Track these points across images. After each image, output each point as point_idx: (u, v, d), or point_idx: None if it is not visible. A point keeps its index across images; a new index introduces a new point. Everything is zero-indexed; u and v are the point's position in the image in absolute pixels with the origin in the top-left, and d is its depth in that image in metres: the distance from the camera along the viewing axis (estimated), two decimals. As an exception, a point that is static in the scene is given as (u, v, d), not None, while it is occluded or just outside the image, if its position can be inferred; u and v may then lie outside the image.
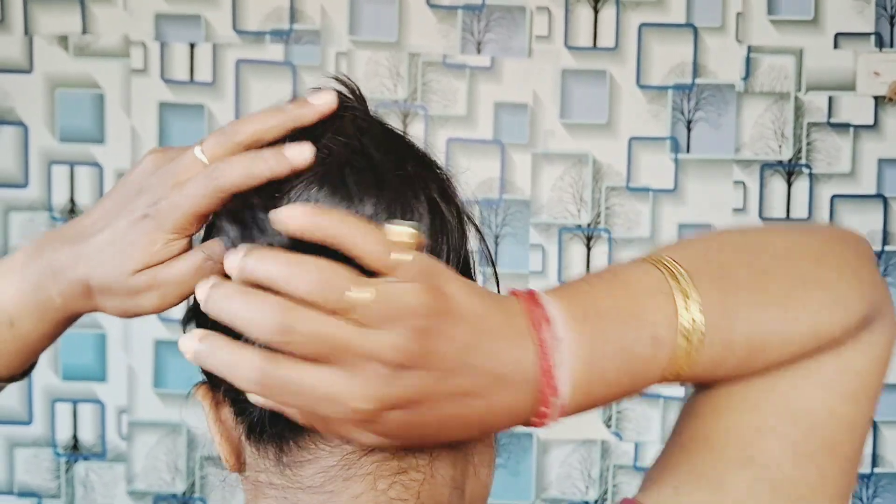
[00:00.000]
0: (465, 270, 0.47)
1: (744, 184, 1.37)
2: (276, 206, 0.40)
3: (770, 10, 1.36)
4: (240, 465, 0.47)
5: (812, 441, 0.47)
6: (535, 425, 0.43)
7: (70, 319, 0.50)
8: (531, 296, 0.42)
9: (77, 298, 0.48)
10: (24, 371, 0.52)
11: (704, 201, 1.37)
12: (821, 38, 1.36)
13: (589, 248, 1.37)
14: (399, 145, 0.48)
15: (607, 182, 1.37)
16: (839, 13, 1.35)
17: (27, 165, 1.36)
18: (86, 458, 1.37)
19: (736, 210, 1.37)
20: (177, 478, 1.37)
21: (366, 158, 0.45)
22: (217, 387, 0.47)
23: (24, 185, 1.36)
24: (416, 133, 1.35)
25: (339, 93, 0.47)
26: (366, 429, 0.40)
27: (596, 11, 1.35)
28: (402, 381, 0.38)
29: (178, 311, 0.48)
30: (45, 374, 1.36)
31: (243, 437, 0.47)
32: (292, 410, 0.40)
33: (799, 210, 1.37)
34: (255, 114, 0.46)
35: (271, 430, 0.44)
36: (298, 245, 0.40)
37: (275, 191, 0.44)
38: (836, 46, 1.36)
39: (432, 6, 1.35)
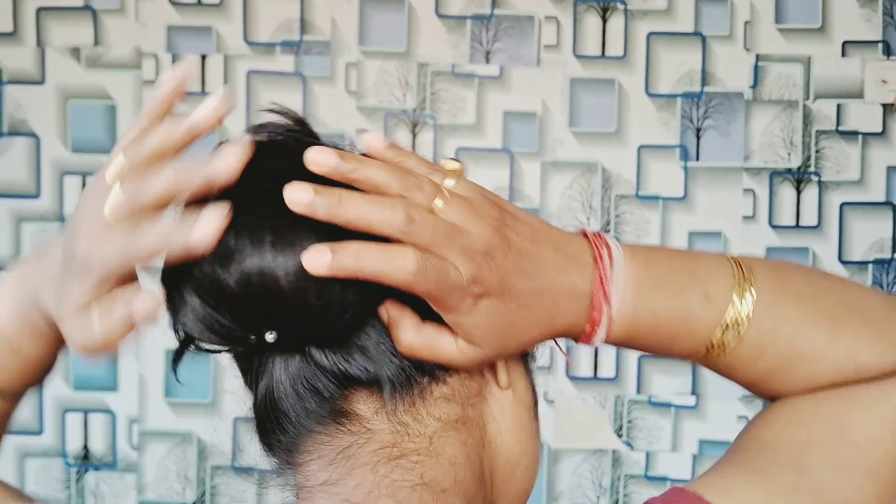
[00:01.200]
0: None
1: (753, 191, 1.37)
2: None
3: (778, 19, 1.36)
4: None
5: (852, 460, 0.50)
6: (584, 340, 0.49)
7: (61, 341, 0.51)
8: (597, 233, 0.49)
9: (56, 325, 0.48)
10: (38, 382, 0.56)
11: (714, 209, 1.37)
12: (828, 46, 1.36)
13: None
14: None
15: (616, 190, 1.37)
16: (847, 21, 1.36)
17: (39, 176, 1.37)
18: (96, 469, 1.37)
19: (746, 218, 1.37)
20: (187, 488, 1.37)
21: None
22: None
23: (36, 195, 1.37)
24: (426, 142, 1.36)
25: (276, 126, 0.48)
26: (468, 313, 0.45)
27: (604, 20, 1.36)
28: (491, 264, 0.45)
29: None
30: (56, 384, 1.36)
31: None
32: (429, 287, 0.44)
33: (808, 218, 1.37)
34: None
35: (263, 440, 0.49)
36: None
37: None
38: (843, 55, 1.36)
39: (441, 16, 1.36)
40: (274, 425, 0.47)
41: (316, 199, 0.42)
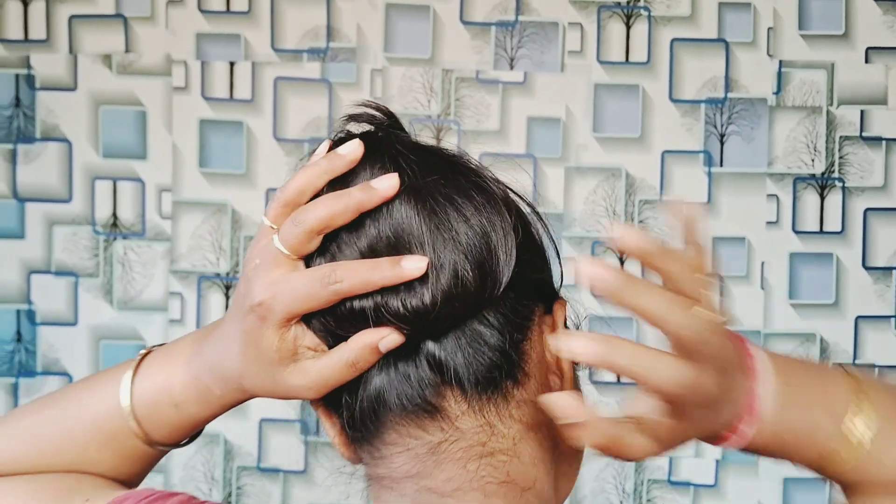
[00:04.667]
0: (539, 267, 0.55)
1: (777, 197, 1.37)
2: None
3: (801, 25, 1.37)
4: (355, 458, 0.55)
5: None
6: (717, 443, 0.51)
7: (229, 406, 0.57)
8: (741, 337, 0.50)
9: (233, 393, 0.56)
10: (189, 439, 0.61)
11: (737, 214, 1.37)
12: (852, 52, 1.36)
13: (622, 262, 1.38)
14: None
15: (640, 195, 1.38)
16: (870, 28, 1.36)
17: (71, 181, 1.39)
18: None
19: (769, 223, 1.37)
20: (213, 488, 1.38)
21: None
22: (329, 404, 0.54)
23: (68, 199, 1.39)
24: (450, 147, 1.37)
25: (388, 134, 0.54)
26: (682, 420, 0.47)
27: (628, 27, 1.37)
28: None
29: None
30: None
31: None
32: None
33: (832, 223, 1.37)
34: (320, 201, 0.50)
35: (353, 433, 0.53)
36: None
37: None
38: (867, 61, 1.36)
39: (465, 23, 1.38)
40: (367, 416, 0.51)
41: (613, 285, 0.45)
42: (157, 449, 0.60)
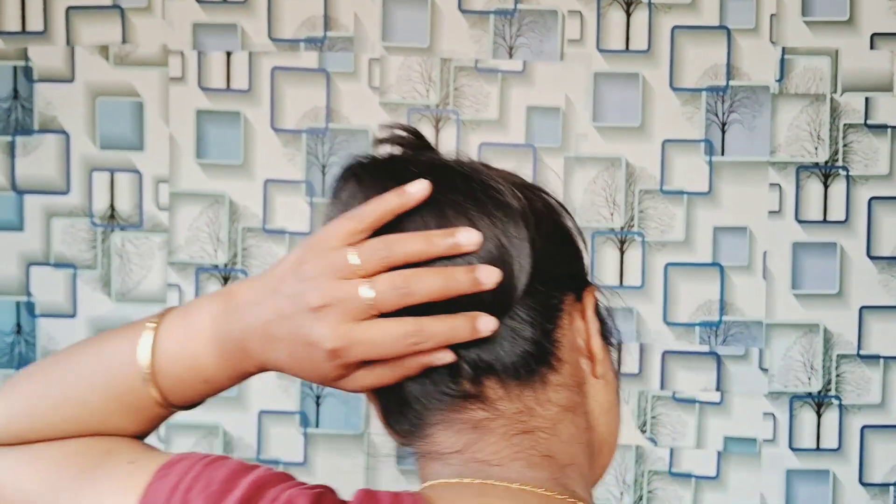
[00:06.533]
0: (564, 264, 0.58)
1: (780, 186, 1.35)
2: None
3: (804, 12, 1.35)
4: (399, 439, 0.58)
5: None
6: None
7: (251, 373, 0.59)
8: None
9: (267, 371, 0.58)
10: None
11: (740, 204, 1.35)
12: (856, 38, 1.34)
13: (622, 252, 1.37)
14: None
15: (641, 185, 1.36)
16: (875, 13, 1.34)
17: (69, 172, 1.39)
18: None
19: (772, 213, 1.35)
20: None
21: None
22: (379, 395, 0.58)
23: (66, 191, 1.39)
24: (449, 138, 1.36)
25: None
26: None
27: (628, 14, 1.36)
28: None
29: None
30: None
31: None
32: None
33: (836, 212, 1.35)
34: (411, 237, 0.53)
35: (394, 421, 0.57)
36: None
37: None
38: (872, 47, 1.34)
39: (464, 11, 1.36)
40: (406, 407, 0.55)
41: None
42: (173, 410, 0.61)
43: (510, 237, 0.53)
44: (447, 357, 0.52)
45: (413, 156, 0.58)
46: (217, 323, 0.57)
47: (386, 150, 0.59)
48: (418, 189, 0.53)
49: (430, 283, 0.51)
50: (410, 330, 0.51)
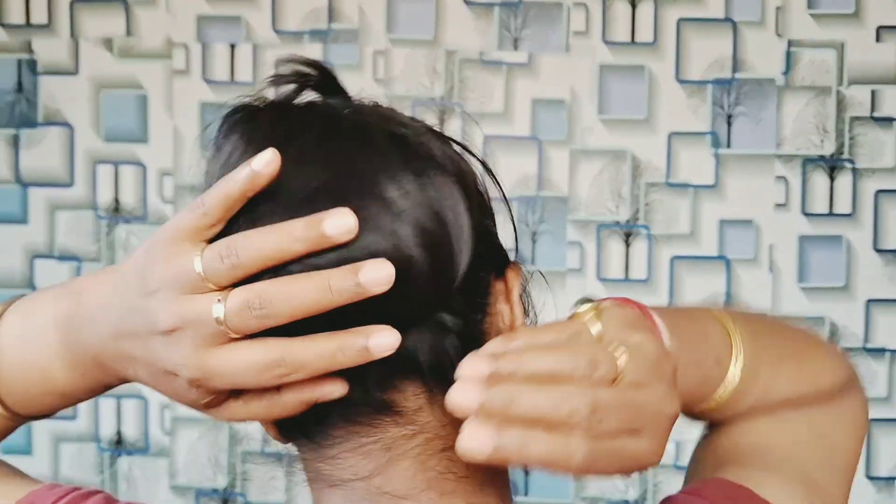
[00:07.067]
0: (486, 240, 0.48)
1: (785, 179, 1.35)
2: None
3: (810, 4, 1.34)
4: (285, 441, 0.49)
5: (836, 459, 0.58)
6: None
7: (111, 386, 0.51)
8: (633, 302, 0.48)
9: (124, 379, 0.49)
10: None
11: (745, 197, 1.35)
12: (862, 31, 1.34)
13: (628, 245, 1.36)
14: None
15: (646, 178, 1.36)
16: (881, 6, 1.33)
17: (73, 165, 1.39)
18: (129, 454, 1.39)
19: (778, 205, 1.35)
20: (218, 473, 1.38)
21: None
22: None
23: (70, 184, 1.39)
24: (454, 130, 1.35)
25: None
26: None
27: (633, 6, 1.35)
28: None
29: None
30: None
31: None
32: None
33: (842, 205, 1.35)
34: (261, 233, 0.41)
35: (286, 430, 0.47)
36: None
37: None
38: (878, 40, 1.34)
39: (469, 3, 1.36)
40: (306, 415, 0.44)
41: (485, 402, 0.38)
42: (24, 421, 0.53)
43: (446, 207, 0.43)
44: (336, 391, 0.42)
45: (320, 101, 0.47)
46: (64, 330, 0.48)
47: (285, 91, 0.47)
48: (265, 163, 0.41)
49: (297, 298, 0.39)
50: (273, 359, 0.40)
